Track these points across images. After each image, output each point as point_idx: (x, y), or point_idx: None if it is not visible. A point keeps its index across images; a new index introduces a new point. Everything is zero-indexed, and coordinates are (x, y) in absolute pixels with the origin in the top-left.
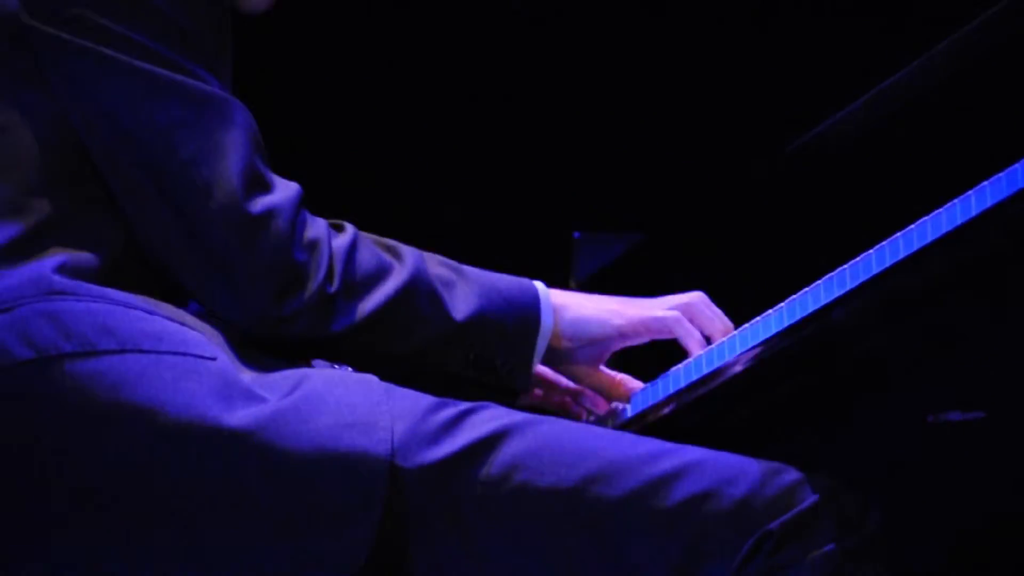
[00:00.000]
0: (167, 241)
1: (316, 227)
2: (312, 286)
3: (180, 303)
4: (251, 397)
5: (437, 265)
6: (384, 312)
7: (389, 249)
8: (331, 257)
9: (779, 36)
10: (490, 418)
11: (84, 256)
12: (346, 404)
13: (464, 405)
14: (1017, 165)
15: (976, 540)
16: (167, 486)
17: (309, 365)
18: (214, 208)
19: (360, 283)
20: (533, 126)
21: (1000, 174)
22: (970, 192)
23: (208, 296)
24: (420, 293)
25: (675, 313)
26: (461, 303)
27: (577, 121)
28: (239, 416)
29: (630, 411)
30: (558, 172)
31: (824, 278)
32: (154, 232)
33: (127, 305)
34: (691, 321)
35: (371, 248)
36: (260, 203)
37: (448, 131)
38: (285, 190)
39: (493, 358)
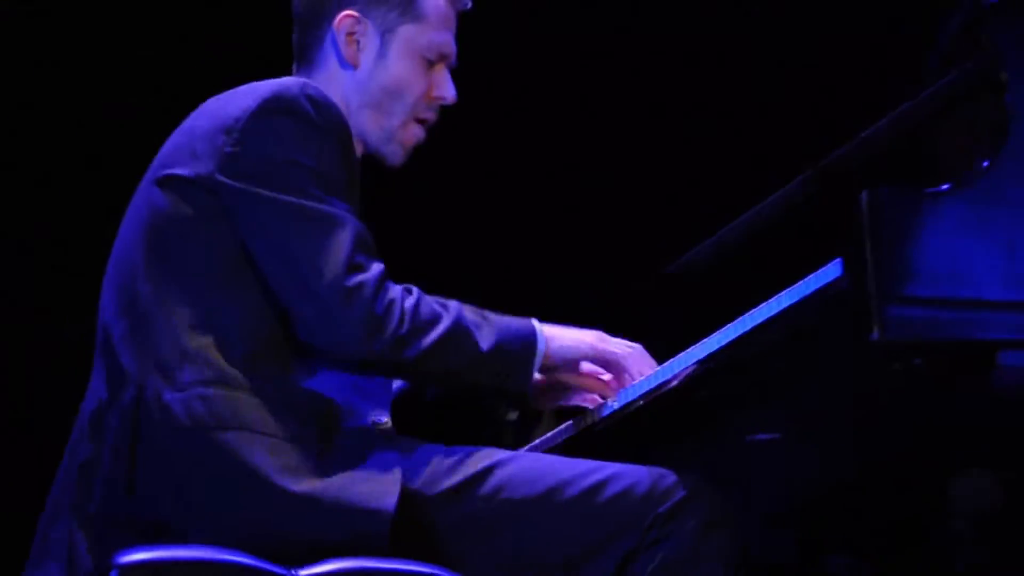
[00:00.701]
0: (297, 310)
1: (393, 291)
2: (389, 329)
3: (303, 359)
4: (314, 471)
5: (471, 312)
6: (438, 344)
7: (442, 304)
8: (402, 311)
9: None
10: (483, 457)
11: (237, 345)
12: (375, 477)
13: (467, 449)
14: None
15: (779, 514)
16: (256, 516)
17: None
18: (324, 284)
19: (421, 326)
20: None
21: (778, 295)
22: (769, 300)
23: (322, 343)
24: (460, 331)
25: (629, 350)
26: (486, 338)
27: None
28: (302, 486)
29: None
30: (517, 289)
31: (683, 352)
32: (290, 305)
33: (254, 393)
34: (633, 361)
35: (429, 303)
36: (354, 279)
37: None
38: (375, 269)
39: (507, 374)
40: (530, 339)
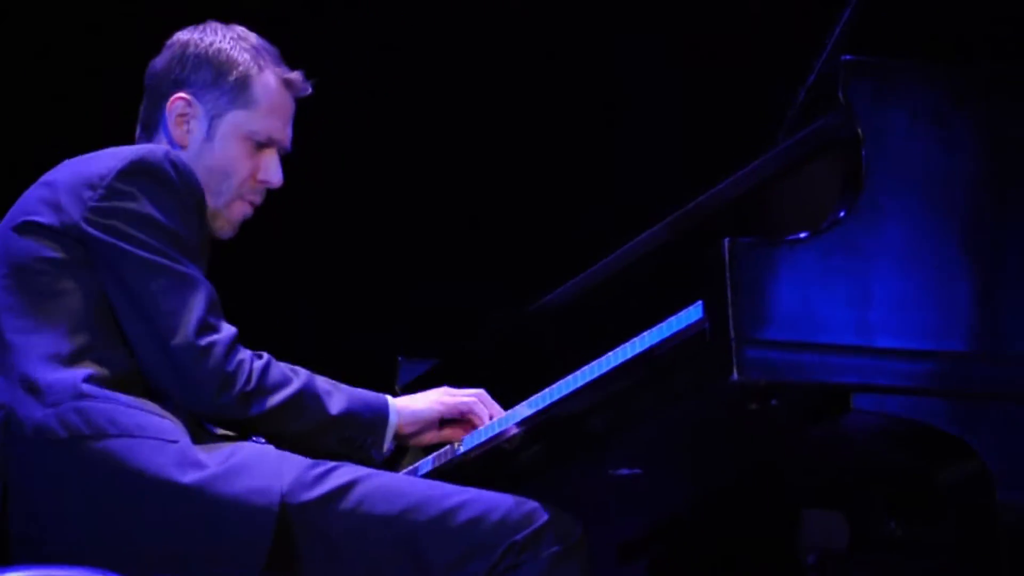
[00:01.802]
0: (152, 362)
1: (243, 353)
2: (237, 387)
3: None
4: (199, 465)
5: (324, 382)
6: (286, 404)
7: (292, 370)
8: (251, 371)
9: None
10: (346, 473)
11: (105, 371)
12: (257, 473)
13: (331, 464)
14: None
15: (634, 544)
16: (142, 517)
17: (247, 439)
18: (178, 341)
19: (268, 387)
20: (374, 295)
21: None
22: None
23: (174, 394)
24: (308, 395)
25: (472, 399)
26: (335, 404)
27: (400, 289)
28: (189, 477)
29: (429, 465)
30: (388, 321)
31: (548, 389)
32: (145, 356)
33: (127, 405)
34: (480, 407)
35: (279, 368)
36: (206, 340)
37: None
38: (226, 331)
39: (356, 439)
40: (381, 410)
